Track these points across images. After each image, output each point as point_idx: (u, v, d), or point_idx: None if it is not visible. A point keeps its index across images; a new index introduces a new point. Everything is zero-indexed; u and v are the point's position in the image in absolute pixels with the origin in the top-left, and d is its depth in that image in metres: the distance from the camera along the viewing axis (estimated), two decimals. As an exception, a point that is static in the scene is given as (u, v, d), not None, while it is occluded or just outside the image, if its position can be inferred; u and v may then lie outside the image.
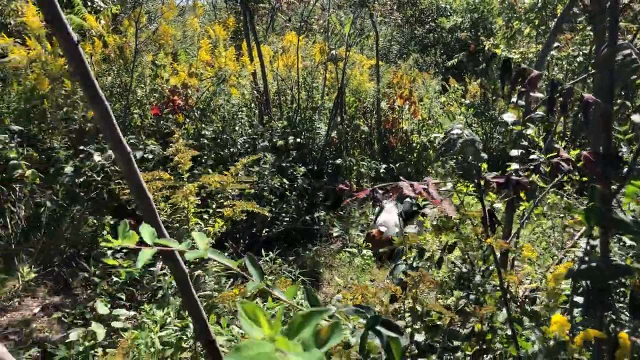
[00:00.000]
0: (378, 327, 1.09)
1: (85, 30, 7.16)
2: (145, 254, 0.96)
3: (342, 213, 6.41)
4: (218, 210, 3.10)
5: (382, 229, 5.48)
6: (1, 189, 5.32)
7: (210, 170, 5.58)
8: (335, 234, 6.17)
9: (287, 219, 5.92)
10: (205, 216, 3.21)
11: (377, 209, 5.94)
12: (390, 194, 1.57)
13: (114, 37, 6.88)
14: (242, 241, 5.68)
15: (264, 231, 5.82)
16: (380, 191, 1.57)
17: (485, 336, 1.61)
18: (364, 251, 5.56)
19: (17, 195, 5.32)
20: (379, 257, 5.46)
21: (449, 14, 15.85)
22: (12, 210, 5.18)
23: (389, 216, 5.64)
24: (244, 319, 0.61)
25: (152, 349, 3.31)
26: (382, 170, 7.39)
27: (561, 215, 3.46)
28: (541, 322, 1.66)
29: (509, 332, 1.71)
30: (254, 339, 0.58)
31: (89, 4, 8.78)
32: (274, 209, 5.82)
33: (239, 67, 7.43)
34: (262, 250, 5.17)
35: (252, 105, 7.37)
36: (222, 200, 3.16)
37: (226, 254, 5.08)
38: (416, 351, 1.58)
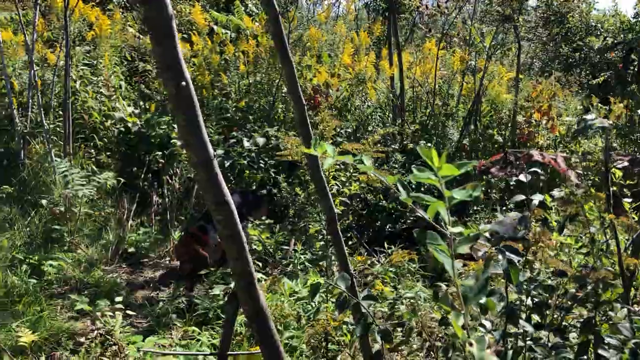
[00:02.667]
0: (502, 248, 1.28)
1: (242, 30, 7.88)
2: (328, 162, 1.23)
3: (467, 219, 6.44)
4: (354, 174, 3.38)
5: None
6: (162, 164, 6.07)
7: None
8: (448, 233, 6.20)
9: (412, 217, 6.07)
10: (343, 178, 3.50)
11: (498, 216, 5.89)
12: (521, 159, 1.72)
13: (266, 37, 7.49)
14: (365, 234, 5.93)
15: (387, 226, 6.02)
16: (512, 157, 1.73)
17: (599, 298, 1.69)
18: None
19: (174, 171, 6.02)
20: None
21: (599, 33, 15.04)
22: (169, 182, 5.87)
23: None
24: (421, 151, 0.86)
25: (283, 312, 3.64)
26: (512, 183, 7.29)
27: None
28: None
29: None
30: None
31: (245, 7, 9.58)
32: (399, 207, 6.01)
33: (377, 72, 7.76)
34: (385, 245, 5.38)
35: (387, 108, 7.63)
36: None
37: (350, 243, 5.38)
38: (532, 305, 1.72)
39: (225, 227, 1.14)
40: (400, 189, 1.30)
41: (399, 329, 2.14)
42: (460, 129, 7.52)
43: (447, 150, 7.12)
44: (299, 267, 4.64)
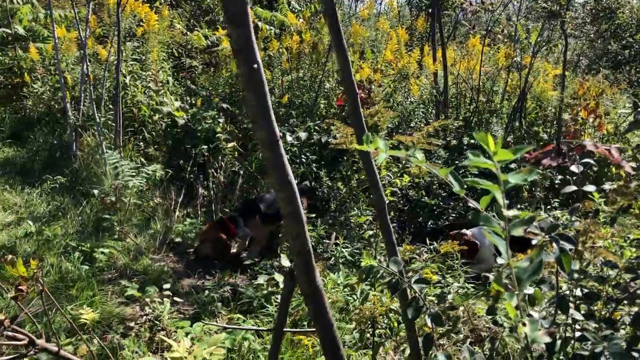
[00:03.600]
0: (555, 235, 1.30)
1: (286, 26, 7.97)
2: (382, 157, 1.27)
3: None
4: (406, 166, 3.41)
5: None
6: (207, 157, 6.20)
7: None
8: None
9: (454, 214, 6.04)
10: (395, 169, 3.53)
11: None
12: (575, 150, 1.71)
13: (310, 33, 7.56)
14: (407, 229, 5.93)
15: (429, 223, 6.00)
16: (565, 146, 1.72)
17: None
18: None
19: (219, 164, 6.15)
20: None
21: (651, 28, 14.57)
22: (214, 175, 6.00)
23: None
24: (477, 136, 0.89)
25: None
26: (557, 181, 7.16)
27: None
28: None
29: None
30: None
31: (289, 4, 9.67)
32: (441, 203, 5.99)
33: (419, 69, 7.73)
34: (427, 240, 5.38)
35: (430, 104, 7.60)
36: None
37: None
38: (581, 296, 1.72)
39: (287, 205, 1.20)
40: (453, 180, 1.33)
41: (445, 319, 2.16)
42: (504, 125, 7.42)
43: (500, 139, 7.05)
44: (340, 261, 4.69)
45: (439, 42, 7.82)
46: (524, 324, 1.11)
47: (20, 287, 1.53)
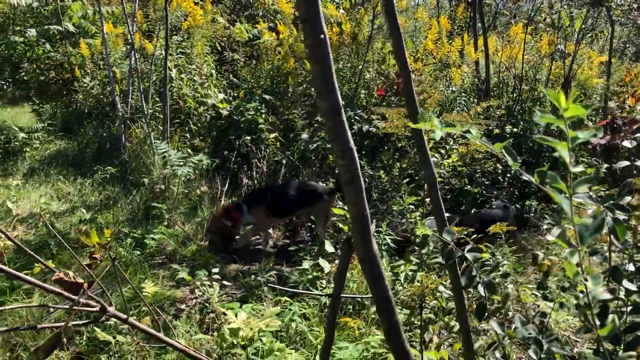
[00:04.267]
0: (609, 205, 1.32)
1: (327, 18, 8.02)
2: (438, 134, 1.32)
3: (555, 206, 6.27)
4: (454, 147, 3.43)
5: None
6: (250, 147, 6.32)
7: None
8: (544, 227, 6.08)
9: (497, 202, 6.00)
10: (442, 151, 3.56)
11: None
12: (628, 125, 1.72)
13: (350, 24, 7.59)
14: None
15: (472, 211, 5.98)
16: (619, 120, 1.73)
17: None
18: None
19: (262, 154, 6.26)
20: None
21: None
22: (257, 165, 6.12)
23: None
24: (548, 92, 0.93)
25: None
26: (603, 170, 7.02)
27: None
28: None
29: None
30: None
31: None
32: (484, 192, 5.96)
33: (460, 57, 7.68)
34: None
35: (471, 93, 7.54)
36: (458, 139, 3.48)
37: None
38: (634, 270, 1.73)
39: (347, 171, 1.26)
40: (507, 155, 1.37)
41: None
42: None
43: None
44: (383, 248, 4.73)
45: (479, 31, 7.74)
46: (586, 280, 1.15)
47: (94, 256, 1.64)
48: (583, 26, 8.16)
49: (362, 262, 1.47)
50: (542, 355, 1.53)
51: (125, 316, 1.69)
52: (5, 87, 11.42)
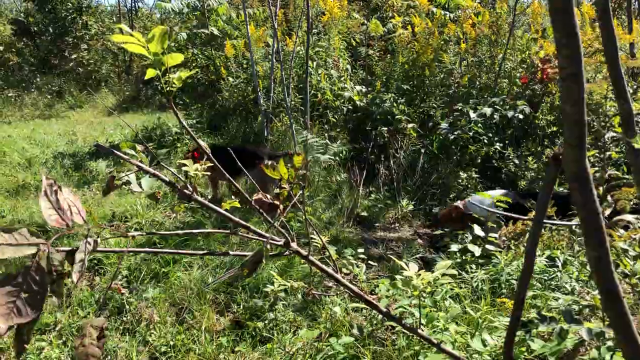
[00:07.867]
0: None
1: (462, 9, 7.84)
2: None
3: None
4: None
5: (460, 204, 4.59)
6: (387, 138, 6.31)
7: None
8: None
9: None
10: None
11: None
12: None
13: (488, 13, 7.35)
14: None
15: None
16: None
17: None
18: None
19: (400, 144, 6.22)
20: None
21: None
22: (395, 156, 6.09)
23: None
24: None
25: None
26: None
27: None
28: None
29: None
30: None
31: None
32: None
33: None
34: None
35: (625, 76, 6.95)
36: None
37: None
38: None
39: (570, 65, 1.19)
40: None
41: None
42: None
43: None
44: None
45: (635, 13, 7.13)
46: None
47: (282, 186, 1.70)
48: None
49: (572, 181, 1.38)
50: None
51: (305, 253, 1.73)
52: (153, 95, 12.48)
